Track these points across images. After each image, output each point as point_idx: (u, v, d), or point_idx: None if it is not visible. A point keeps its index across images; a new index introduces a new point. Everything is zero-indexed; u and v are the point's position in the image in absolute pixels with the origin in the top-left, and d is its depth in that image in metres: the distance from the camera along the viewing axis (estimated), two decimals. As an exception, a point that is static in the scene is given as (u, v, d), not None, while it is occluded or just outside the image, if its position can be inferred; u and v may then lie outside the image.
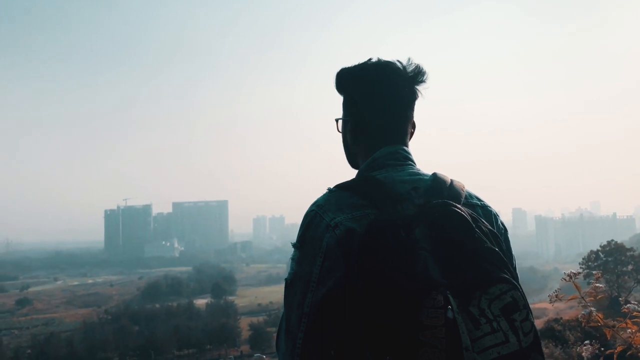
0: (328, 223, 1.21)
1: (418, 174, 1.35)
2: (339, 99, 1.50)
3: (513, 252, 1.38)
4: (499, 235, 1.25)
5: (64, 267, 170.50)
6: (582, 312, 2.21)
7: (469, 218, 1.14)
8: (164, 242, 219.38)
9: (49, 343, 56.36)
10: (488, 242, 1.13)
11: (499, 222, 1.40)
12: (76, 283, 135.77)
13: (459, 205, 1.17)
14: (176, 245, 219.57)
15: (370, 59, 1.44)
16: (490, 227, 1.19)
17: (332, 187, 1.31)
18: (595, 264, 43.14)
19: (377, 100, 1.41)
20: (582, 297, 2.18)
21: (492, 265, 1.09)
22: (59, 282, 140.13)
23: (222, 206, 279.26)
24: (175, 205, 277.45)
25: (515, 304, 1.06)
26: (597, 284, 2.22)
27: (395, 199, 1.21)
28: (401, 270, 1.06)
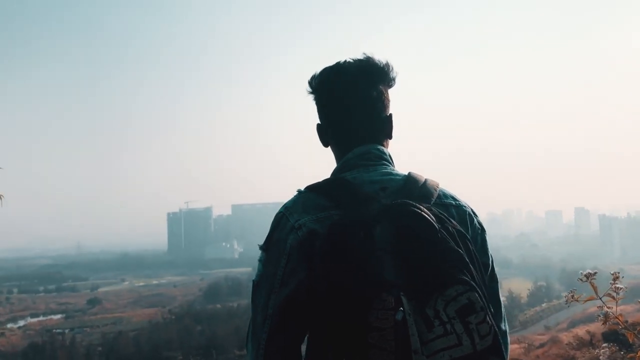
0: (293, 225, 1.22)
1: (390, 173, 1.34)
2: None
3: (490, 253, 1.37)
4: (470, 235, 1.25)
5: (130, 269, 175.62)
6: (599, 313, 2.11)
7: (430, 218, 1.12)
8: (224, 244, 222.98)
9: (118, 341, 58.61)
10: (452, 242, 1.11)
11: (475, 222, 1.38)
12: (142, 284, 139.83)
13: (419, 206, 1.15)
14: (236, 246, 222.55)
15: (339, 61, 1.43)
16: (458, 228, 1.17)
17: (302, 188, 1.31)
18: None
19: (343, 101, 1.40)
20: (600, 298, 2.06)
21: (451, 266, 1.07)
22: (125, 283, 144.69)
23: (279, 207, 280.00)
24: (235, 207, 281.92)
25: (472, 306, 1.03)
26: (617, 285, 2.09)
27: (361, 200, 1.21)
28: (355, 271, 1.05)
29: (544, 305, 74.55)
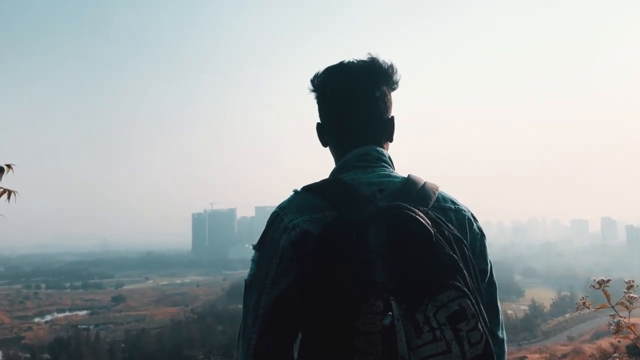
0: (286, 225, 1.20)
1: (389, 175, 1.31)
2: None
3: (489, 258, 1.34)
4: (468, 240, 1.25)
5: (154, 267, 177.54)
6: (611, 322, 2.09)
7: (425, 222, 1.10)
8: (247, 245, 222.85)
9: (141, 339, 59.38)
10: (447, 247, 1.09)
11: (475, 227, 1.34)
12: (165, 283, 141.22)
13: (414, 209, 1.12)
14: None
15: (342, 61, 1.41)
16: (455, 232, 1.15)
17: (298, 188, 1.29)
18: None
19: (344, 100, 1.38)
20: (612, 307, 2.04)
21: (444, 271, 1.05)
22: (149, 282, 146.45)
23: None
24: (258, 209, 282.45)
25: (463, 313, 1.01)
26: (631, 294, 2.07)
27: (357, 201, 1.19)
28: (345, 273, 1.04)
29: (567, 315, 73.31)
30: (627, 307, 2.02)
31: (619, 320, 2.07)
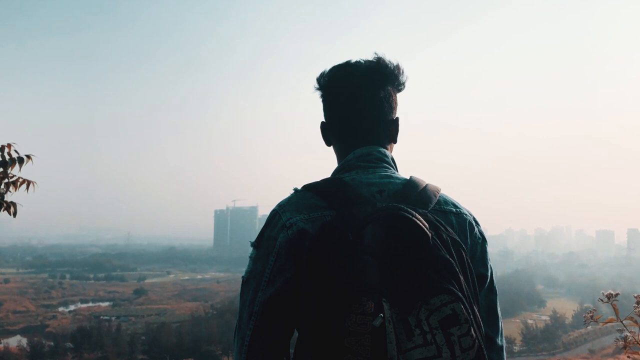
0: (284, 223, 1.21)
1: (390, 177, 1.30)
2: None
3: (490, 264, 1.33)
4: (468, 244, 1.25)
5: (176, 262, 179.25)
6: (618, 336, 2.06)
7: (422, 224, 1.09)
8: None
9: (161, 332, 60.01)
10: (443, 250, 1.08)
11: (476, 231, 1.32)
12: (186, 278, 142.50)
13: (411, 211, 1.11)
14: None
15: (349, 60, 1.41)
16: (453, 236, 1.15)
17: (299, 187, 1.29)
18: None
19: (348, 100, 1.37)
20: (621, 321, 2.01)
21: (439, 274, 1.04)
22: (171, 276, 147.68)
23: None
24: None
25: (455, 317, 1.00)
26: None
27: (355, 202, 1.19)
28: (339, 273, 1.04)
29: (589, 327, 72.26)
30: (636, 323, 2.01)
31: (627, 336, 2.04)
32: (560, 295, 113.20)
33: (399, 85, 1.41)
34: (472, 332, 1.01)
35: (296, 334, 1.22)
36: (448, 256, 1.08)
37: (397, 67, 1.39)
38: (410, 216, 1.09)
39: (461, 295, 1.03)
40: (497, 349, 1.31)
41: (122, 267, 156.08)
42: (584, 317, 2.13)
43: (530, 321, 73.52)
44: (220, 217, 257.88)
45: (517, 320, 78.42)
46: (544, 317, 79.41)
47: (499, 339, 1.32)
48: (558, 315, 73.36)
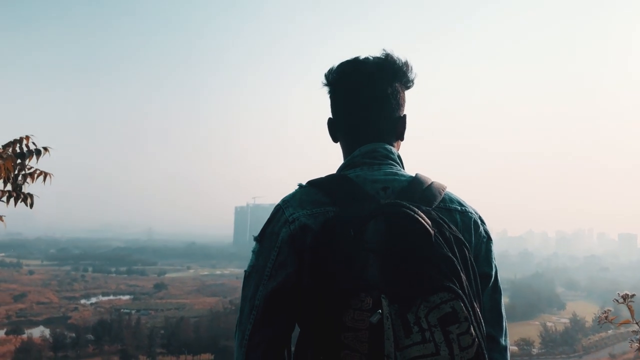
0: (287, 218, 1.21)
1: (395, 174, 1.29)
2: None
3: (494, 263, 1.31)
4: (473, 243, 1.25)
5: (196, 258, 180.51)
6: (631, 339, 2.02)
7: (424, 222, 1.08)
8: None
9: (179, 327, 60.65)
10: (446, 248, 1.08)
11: (481, 230, 1.30)
12: (206, 273, 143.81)
13: (413, 208, 1.11)
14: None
15: (358, 56, 1.39)
16: (457, 234, 1.14)
17: (303, 183, 1.30)
18: None
19: (355, 96, 1.36)
20: (637, 323, 1.92)
21: (440, 272, 1.03)
22: (191, 271, 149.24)
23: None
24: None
25: (455, 315, 0.99)
26: None
27: (358, 198, 1.19)
28: (338, 269, 1.04)
29: (610, 332, 71.35)
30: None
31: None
32: (581, 298, 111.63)
33: (407, 82, 1.39)
34: (472, 330, 1.00)
35: (298, 330, 1.21)
36: (450, 254, 1.07)
37: (406, 64, 1.37)
38: (413, 213, 1.09)
39: (461, 294, 1.02)
40: (501, 349, 1.29)
41: (143, 262, 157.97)
42: (599, 317, 2.03)
43: (549, 324, 72.63)
44: (241, 214, 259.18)
45: (537, 323, 77.68)
46: (563, 320, 78.60)
47: (503, 339, 1.31)
48: (578, 318, 72.46)
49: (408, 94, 1.43)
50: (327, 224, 1.13)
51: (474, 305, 1.05)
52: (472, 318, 1.02)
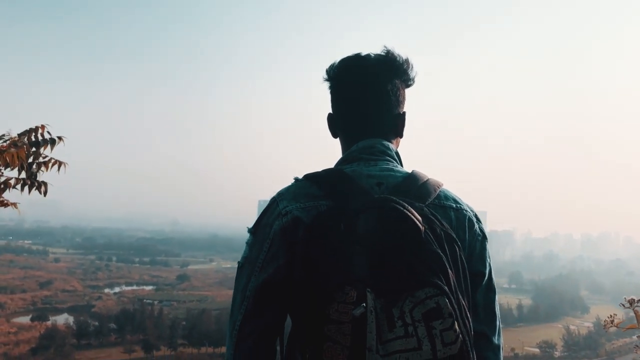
0: (280, 211, 1.22)
1: (391, 170, 1.30)
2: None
3: (488, 261, 1.31)
4: (467, 241, 1.26)
5: (219, 250, 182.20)
6: (636, 344, 2.01)
7: (415, 217, 1.09)
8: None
9: (201, 318, 61.25)
10: (435, 245, 1.08)
11: (476, 228, 1.31)
12: (228, 265, 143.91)
13: (404, 203, 1.11)
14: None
15: (359, 53, 1.41)
16: (448, 231, 1.14)
17: (299, 177, 1.31)
18: None
19: (355, 92, 1.37)
20: None
21: (427, 268, 1.04)
22: (213, 263, 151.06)
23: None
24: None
25: (439, 311, 1.00)
26: None
27: (352, 193, 1.19)
28: (326, 262, 1.05)
29: (635, 337, 69.93)
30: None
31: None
32: (606, 302, 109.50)
33: (407, 80, 1.40)
34: (456, 327, 1.00)
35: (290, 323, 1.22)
36: (439, 251, 1.07)
37: (407, 61, 1.38)
38: (403, 209, 1.09)
39: (447, 290, 1.02)
40: (494, 348, 1.30)
41: (166, 252, 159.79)
42: (604, 321, 1.95)
43: (572, 327, 71.76)
44: (263, 207, 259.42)
45: (559, 325, 76.79)
46: (586, 324, 77.46)
47: (496, 337, 1.31)
48: (602, 322, 71.06)
49: (409, 92, 1.44)
50: (318, 217, 1.15)
51: (460, 302, 1.05)
52: (458, 314, 1.02)
